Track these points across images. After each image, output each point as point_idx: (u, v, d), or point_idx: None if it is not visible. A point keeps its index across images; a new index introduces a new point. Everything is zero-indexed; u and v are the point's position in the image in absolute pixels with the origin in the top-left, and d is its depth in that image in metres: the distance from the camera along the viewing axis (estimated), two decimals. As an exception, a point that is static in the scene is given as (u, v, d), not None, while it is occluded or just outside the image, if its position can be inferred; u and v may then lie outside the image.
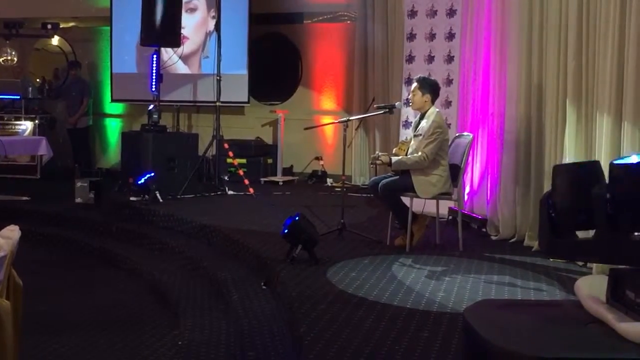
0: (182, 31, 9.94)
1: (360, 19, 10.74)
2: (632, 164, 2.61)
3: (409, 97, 6.87)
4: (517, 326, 2.69)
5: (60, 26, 12.52)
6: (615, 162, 2.68)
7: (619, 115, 5.65)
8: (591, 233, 3.09)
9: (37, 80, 12.87)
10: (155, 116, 9.62)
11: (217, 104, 9.89)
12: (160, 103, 10.17)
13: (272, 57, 11.74)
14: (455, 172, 6.55)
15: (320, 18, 11.46)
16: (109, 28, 11.99)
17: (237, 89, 10.94)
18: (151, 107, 9.68)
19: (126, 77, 11.88)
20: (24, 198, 9.47)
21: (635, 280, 2.59)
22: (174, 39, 9.86)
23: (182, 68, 11.22)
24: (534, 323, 2.71)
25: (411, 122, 7.39)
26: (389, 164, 6.52)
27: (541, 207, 2.87)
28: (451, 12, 8.35)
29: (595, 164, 2.85)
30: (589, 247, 2.79)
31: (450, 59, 8.32)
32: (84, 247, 7.83)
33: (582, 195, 2.70)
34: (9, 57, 12.30)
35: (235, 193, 9.56)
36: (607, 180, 2.72)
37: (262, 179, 10.89)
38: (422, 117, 6.60)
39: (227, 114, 10.77)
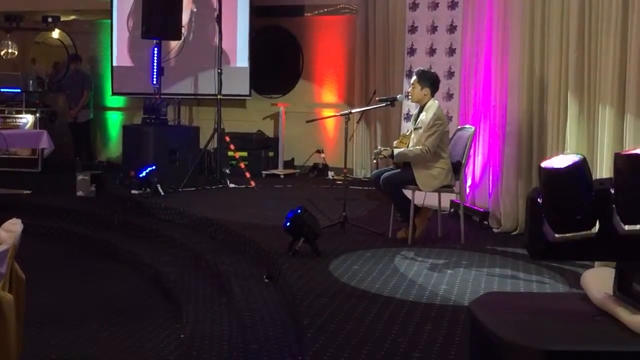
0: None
1: (361, 11, 10.71)
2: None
3: (409, 90, 6.86)
4: (524, 319, 2.68)
5: (61, 19, 12.52)
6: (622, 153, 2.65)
7: (622, 108, 5.64)
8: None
9: (47, 72, 12.84)
10: (164, 109, 9.66)
11: (219, 97, 9.88)
12: (162, 96, 10.17)
13: (273, 50, 11.71)
14: (457, 165, 6.54)
15: (321, 11, 11.44)
16: (109, 21, 11.96)
17: (238, 82, 10.91)
18: (159, 102, 9.68)
19: (127, 70, 11.85)
20: (26, 191, 9.46)
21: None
22: (175, 31, 9.85)
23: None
24: (541, 316, 2.70)
25: (412, 115, 7.37)
26: (391, 156, 6.52)
27: (530, 206, 2.79)
28: (453, 5, 8.34)
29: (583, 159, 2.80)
30: (587, 246, 2.73)
31: (451, 51, 8.31)
32: (86, 240, 7.82)
33: (578, 191, 2.65)
34: (10, 51, 12.28)
35: (236, 186, 9.55)
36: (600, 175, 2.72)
37: (263, 172, 10.89)
38: (421, 110, 6.58)
39: (228, 106, 10.75)
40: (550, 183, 2.70)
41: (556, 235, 2.64)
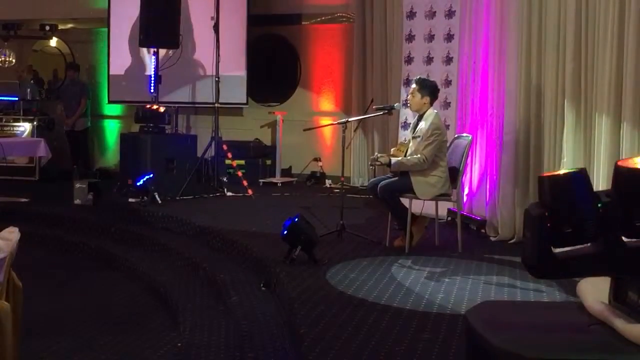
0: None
1: (358, 19, 10.73)
2: None
3: (408, 98, 6.86)
4: (520, 328, 2.68)
5: (59, 27, 12.54)
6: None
7: (618, 116, 5.66)
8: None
9: (46, 80, 12.84)
10: (167, 116, 9.74)
11: (216, 105, 9.89)
12: (159, 104, 10.18)
13: (271, 58, 11.73)
14: (454, 173, 6.55)
15: (319, 19, 11.45)
16: (106, 29, 11.97)
17: (235, 90, 10.93)
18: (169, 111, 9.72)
19: (124, 78, 11.85)
20: (23, 200, 9.45)
21: (638, 281, 2.58)
22: (173, 40, 9.86)
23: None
24: (537, 325, 2.71)
25: (410, 123, 7.38)
26: (388, 165, 6.52)
27: (533, 221, 2.68)
28: (450, 13, 8.36)
29: (583, 171, 2.75)
30: (595, 261, 2.66)
31: (449, 60, 8.32)
32: (83, 248, 7.81)
33: (584, 204, 2.61)
34: (7, 59, 12.29)
35: (234, 194, 9.55)
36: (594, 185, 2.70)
37: (260, 180, 10.88)
38: (420, 119, 6.59)
39: (225, 115, 10.76)
40: (555, 191, 2.64)
41: (561, 249, 2.59)
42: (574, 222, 2.57)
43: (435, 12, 8.49)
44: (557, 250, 2.67)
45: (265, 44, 11.71)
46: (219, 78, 9.84)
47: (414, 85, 6.59)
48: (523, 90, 6.82)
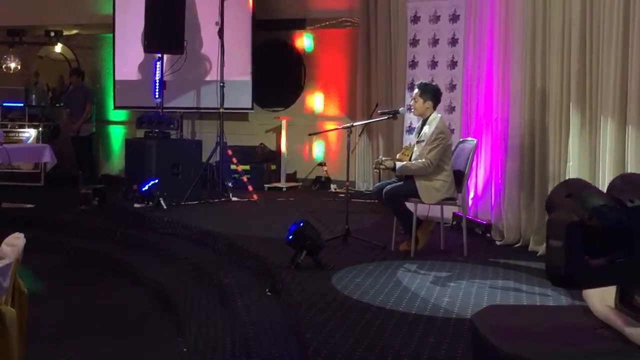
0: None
1: (363, 24, 10.73)
2: None
3: (411, 103, 6.86)
4: (526, 332, 2.68)
5: (64, 33, 12.57)
6: None
7: (623, 120, 5.65)
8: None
9: (51, 86, 12.84)
10: (176, 121, 9.78)
11: (221, 110, 9.89)
12: (164, 109, 10.19)
13: (276, 63, 11.73)
14: (460, 177, 6.54)
15: (323, 24, 11.45)
16: (111, 35, 11.99)
17: (240, 96, 10.93)
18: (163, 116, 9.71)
19: (129, 84, 11.87)
20: (28, 205, 9.46)
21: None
22: (178, 45, 9.88)
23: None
24: (543, 329, 2.70)
25: (415, 128, 7.38)
26: (393, 169, 6.52)
27: (565, 230, 2.48)
28: (454, 18, 8.35)
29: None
30: (627, 268, 2.57)
31: (453, 64, 8.32)
32: (88, 254, 7.81)
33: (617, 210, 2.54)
34: (13, 65, 12.32)
35: (239, 199, 9.55)
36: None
37: (265, 185, 10.89)
38: (424, 123, 6.59)
39: (230, 120, 10.76)
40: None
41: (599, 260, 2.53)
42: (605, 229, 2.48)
43: (439, 16, 8.49)
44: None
45: (270, 48, 11.72)
46: (223, 83, 9.84)
47: (416, 90, 6.60)
48: (528, 94, 6.82)
